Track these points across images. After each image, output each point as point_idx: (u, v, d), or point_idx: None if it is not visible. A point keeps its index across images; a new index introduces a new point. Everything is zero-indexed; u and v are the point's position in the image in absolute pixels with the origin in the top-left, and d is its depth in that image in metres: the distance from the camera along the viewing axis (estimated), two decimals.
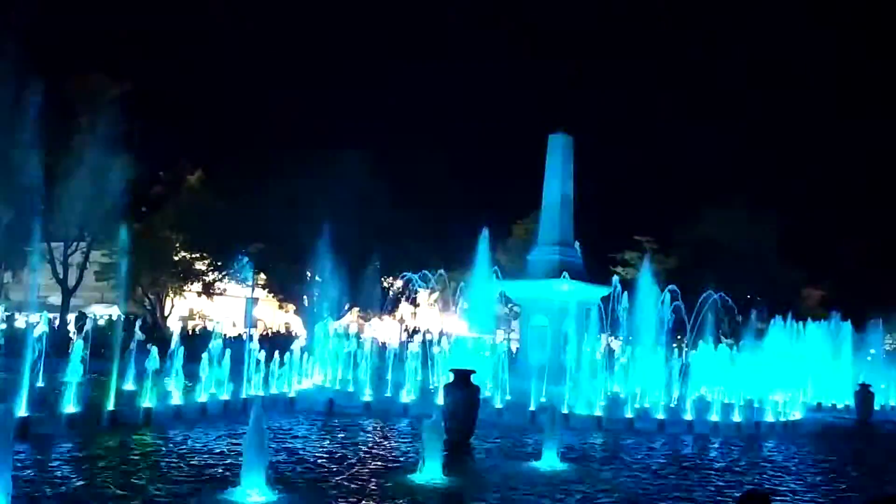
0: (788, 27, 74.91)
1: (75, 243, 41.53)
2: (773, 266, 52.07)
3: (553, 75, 79.34)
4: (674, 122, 74.69)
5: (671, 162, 64.72)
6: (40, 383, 18.03)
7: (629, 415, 19.29)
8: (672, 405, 22.48)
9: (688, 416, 19.97)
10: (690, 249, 52.45)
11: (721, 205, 53.40)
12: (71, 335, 28.07)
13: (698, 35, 78.95)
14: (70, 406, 14.17)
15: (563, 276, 23.36)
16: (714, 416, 20.37)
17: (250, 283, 37.04)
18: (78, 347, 17.41)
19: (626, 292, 24.88)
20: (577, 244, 26.93)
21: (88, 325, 23.92)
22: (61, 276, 41.29)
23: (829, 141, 65.18)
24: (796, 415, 22.70)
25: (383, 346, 30.39)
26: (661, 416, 19.49)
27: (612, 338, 30.76)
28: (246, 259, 36.58)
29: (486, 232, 27.11)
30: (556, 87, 70.68)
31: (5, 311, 31.48)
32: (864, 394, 26.83)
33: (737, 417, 20.65)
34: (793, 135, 66.73)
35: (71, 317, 37.75)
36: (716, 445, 17.11)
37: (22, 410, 12.87)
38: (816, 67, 75.04)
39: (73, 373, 15.55)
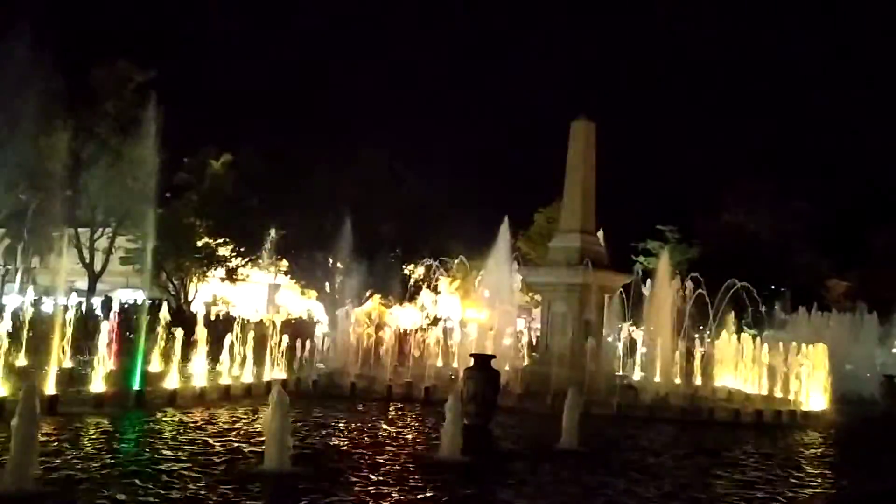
0: (820, 19, 73.89)
1: (101, 228, 42.06)
2: (798, 256, 51.59)
3: (578, 62, 78.87)
4: (701, 111, 74.10)
5: (697, 151, 64.30)
6: (68, 364, 18.36)
7: (648, 402, 19.28)
8: (693, 394, 22.45)
9: (708, 405, 19.92)
10: (714, 239, 52.08)
11: (746, 194, 52.98)
12: (98, 318, 28.47)
13: (729, 23, 78.07)
14: (97, 386, 14.44)
15: (585, 264, 23.26)
16: (734, 406, 20.29)
17: (273, 267, 37.29)
18: (105, 330, 17.73)
19: (647, 280, 24.85)
20: (600, 232, 26.86)
21: (115, 309, 24.24)
22: (88, 261, 41.86)
23: (856, 130, 64.33)
24: (820, 406, 22.54)
25: (405, 333, 30.55)
26: (681, 404, 19.47)
27: (633, 326, 30.70)
28: (270, 242, 36.78)
29: (506, 220, 27.11)
30: (580, 74, 70.31)
31: (34, 294, 31.97)
32: (890, 385, 26.58)
33: (758, 407, 20.55)
34: (820, 123, 65.93)
35: (97, 300, 38.31)
36: (732, 434, 17.05)
37: (51, 389, 13.17)
38: (847, 57, 73.97)
39: (100, 354, 15.86)
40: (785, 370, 23.40)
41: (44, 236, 39.99)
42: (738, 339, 27.95)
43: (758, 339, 27.48)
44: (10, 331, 15.78)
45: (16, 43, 30.29)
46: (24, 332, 19.72)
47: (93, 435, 11.55)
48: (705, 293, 24.46)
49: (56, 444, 10.35)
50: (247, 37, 71.39)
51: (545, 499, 9.42)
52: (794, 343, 23.95)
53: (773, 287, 45.68)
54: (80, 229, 40.81)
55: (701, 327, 31.48)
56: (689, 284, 26.17)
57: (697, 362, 26.29)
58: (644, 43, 79.05)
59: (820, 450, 15.79)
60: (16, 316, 22.42)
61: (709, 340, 28.83)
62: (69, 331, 17.62)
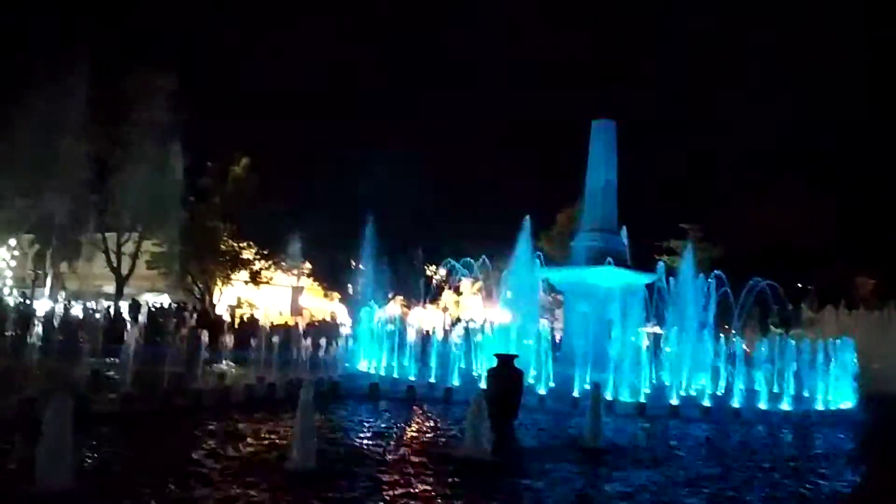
0: (853, 15, 72.94)
1: (128, 233, 42.60)
2: (825, 253, 51.03)
3: (599, 61, 78.56)
4: (726, 108, 73.45)
5: (722, 148, 63.75)
6: (98, 367, 18.65)
7: (674, 402, 19.20)
8: (719, 393, 22.32)
9: (735, 404, 19.79)
10: (738, 237, 51.67)
11: (771, 191, 52.55)
12: (125, 322, 28.88)
13: (752, 19, 77.31)
14: (126, 388, 14.66)
15: (607, 263, 23.22)
16: (762, 404, 20.14)
17: (297, 269, 37.60)
18: (132, 333, 18.02)
19: (671, 279, 24.73)
20: (623, 230, 26.78)
21: (142, 312, 24.61)
22: (115, 265, 42.42)
23: (885, 127, 63.42)
24: (847, 404, 22.30)
25: (427, 334, 30.62)
26: (706, 403, 19.36)
27: (657, 326, 30.53)
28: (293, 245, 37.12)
29: (527, 220, 27.10)
30: (602, 73, 70.03)
31: (64, 299, 32.55)
32: None
33: (785, 406, 20.38)
34: (849, 118, 65.07)
35: (124, 304, 38.81)
36: (758, 432, 16.94)
37: (81, 391, 13.40)
38: (879, 51, 72.95)
39: (128, 357, 16.12)
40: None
41: (72, 242, 40.58)
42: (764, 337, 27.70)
43: (784, 336, 27.22)
44: (42, 334, 16.05)
45: (45, 52, 30.85)
46: (55, 336, 20.04)
47: (122, 436, 11.74)
48: (730, 292, 24.27)
49: (92, 445, 10.55)
50: (265, 38, 72.01)
51: (567, 495, 9.45)
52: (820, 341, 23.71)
53: (799, 285, 45.23)
54: (106, 234, 41.36)
55: (726, 326, 31.22)
56: (713, 283, 25.99)
57: (723, 361, 26.10)
58: (667, 38, 78.55)
59: (844, 448, 15.63)
60: (47, 320, 22.80)
61: (733, 338, 28.59)
62: (98, 334, 17.93)
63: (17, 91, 33.37)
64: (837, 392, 22.75)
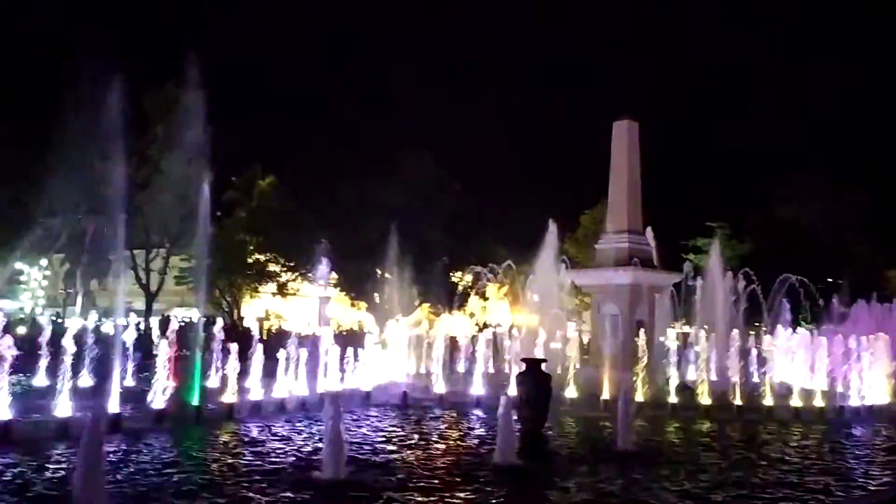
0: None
1: (156, 250, 43.15)
2: (855, 247, 50.25)
3: (621, 60, 78.20)
4: (749, 104, 72.75)
5: (746, 145, 63.04)
6: (130, 382, 18.91)
7: (703, 401, 19.01)
8: (749, 391, 22.04)
9: (766, 402, 19.54)
10: (766, 234, 51.08)
11: (798, 187, 51.88)
12: (155, 338, 29.20)
13: (776, 18, 76.56)
14: (158, 402, 14.83)
15: (634, 263, 23.10)
16: (794, 401, 19.84)
17: (325, 280, 37.78)
18: (163, 348, 18.23)
19: (698, 278, 24.56)
20: (649, 230, 26.64)
21: (172, 327, 24.83)
22: (144, 282, 42.98)
23: None
24: (883, 399, 21.90)
25: (454, 341, 30.63)
26: (737, 401, 19.14)
27: (685, 324, 30.29)
28: (324, 257, 37.27)
29: (552, 224, 27.06)
30: (623, 73, 69.54)
31: (96, 316, 33.00)
32: None
33: (819, 402, 20.07)
34: (873, 111, 64.04)
35: (154, 320, 39.29)
36: (792, 429, 16.71)
37: (115, 408, 13.61)
38: None
39: (159, 372, 16.31)
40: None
41: (101, 259, 41.16)
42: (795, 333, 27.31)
43: (815, 333, 26.81)
44: (75, 352, 16.28)
45: (72, 71, 31.34)
46: (88, 353, 20.32)
47: (156, 451, 11.89)
48: (758, 288, 24.04)
49: (122, 460, 10.69)
50: (288, 52, 72.59)
51: (599, 499, 9.39)
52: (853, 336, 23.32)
53: (829, 280, 44.56)
54: (135, 251, 41.93)
55: (757, 323, 30.87)
56: (742, 280, 25.75)
57: (754, 359, 25.81)
58: (687, 38, 77.95)
59: (879, 444, 15.36)
60: (79, 338, 23.10)
61: (765, 336, 28.28)
62: (130, 351, 18.16)
63: (44, 111, 34.01)
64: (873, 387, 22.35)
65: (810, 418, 18.49)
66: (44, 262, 48.08)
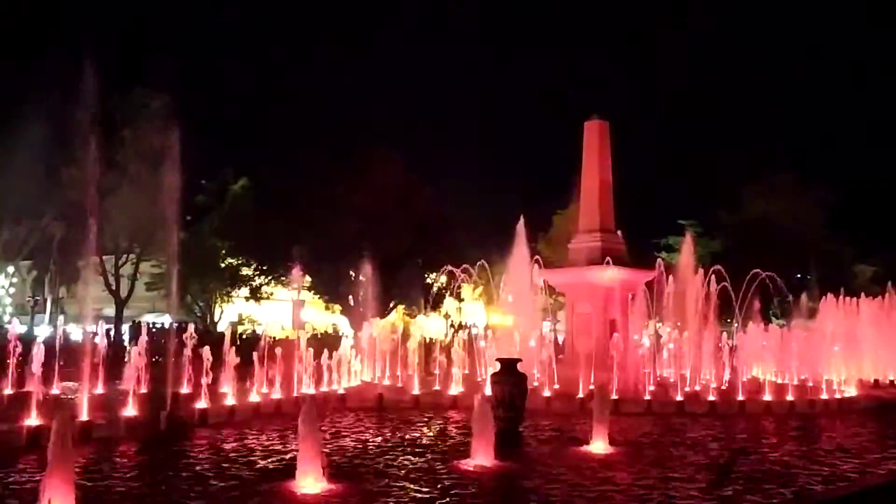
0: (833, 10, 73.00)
1: (125, 255, 42.56)
2: (822, 244, 51.07)
3: (590, 61, 78.68)
4: (717, 105, 73.57)
5: (715, 144, 63.77)
6: (99, 390, 18.63)
7: (678, 398, 19.19)
8: (723, 387, 22.32)
9: (739, 397, 19.77)
10: (736, 232, 51.77)
11: (767, 183, 52.66)
12: (126, 344, 28.85)
13: (743, 18, 77.49)
14: (129, 410, 14.61)
15: (606, 263, 23.22)
16: (766, 397, 20.11)
17: (299, 284, 37.56)
18: (133, 355, 18.03)
19: (670, 276, 24.75)
20: (619, 232, 26.79)
21: (143, 334, 24.54)
22: (114, 288, 42.36)
23: (876, 115, 63.54)
24: (852, 392, 22.27)
25: (430, 342, 30.59)
26: (711, 398, 19.35)
27: (660, 322, 30.53)
28: (298, 261, 37.05)
29: (521, 220, 27.05)
30: (593, 73, 70.11)
31: (63, 324, 32.42)
32: None
33: (790, 396, 20.35)
34: (839, 110, 65.17)
35: (125, 326, 38.77)
36: (764, 425, 16.92)
37: (84, 415, 13.37)
38: (864, 41, 73.14)
39: (130, 379, 16.10)
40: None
41: (69, 266, 40.54)
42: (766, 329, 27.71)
43: (785, 328, 27.23)
44: (43, 360, 16.00)
45: (37, 75, 30.85)
46: (56, 361, 20.00)
47: (126, 459, 11.70)
48: (729, 285, 24.29)
49: (92, 469, 10.50)
50: (259, 54, 72.11)
51: (576, 498, 9.40)
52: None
53: (798, 276, 45.24)
54: (104, 257, 41.32)
55: (728, 320, 31.20)
56: (713, 277, 25.98)
57: (726, 355, 26.13)
58: (659, 40, 78.68)
59: (850, 436, 15.59)
60: (48, 345, 22.73)
61: (736, 332, 28.62)
62: (99, 357, 17.89)
63: (7, 115, 33.40)
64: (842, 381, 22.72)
65: (780, 412, 18.75)
66: (10, 269, 47.24)
